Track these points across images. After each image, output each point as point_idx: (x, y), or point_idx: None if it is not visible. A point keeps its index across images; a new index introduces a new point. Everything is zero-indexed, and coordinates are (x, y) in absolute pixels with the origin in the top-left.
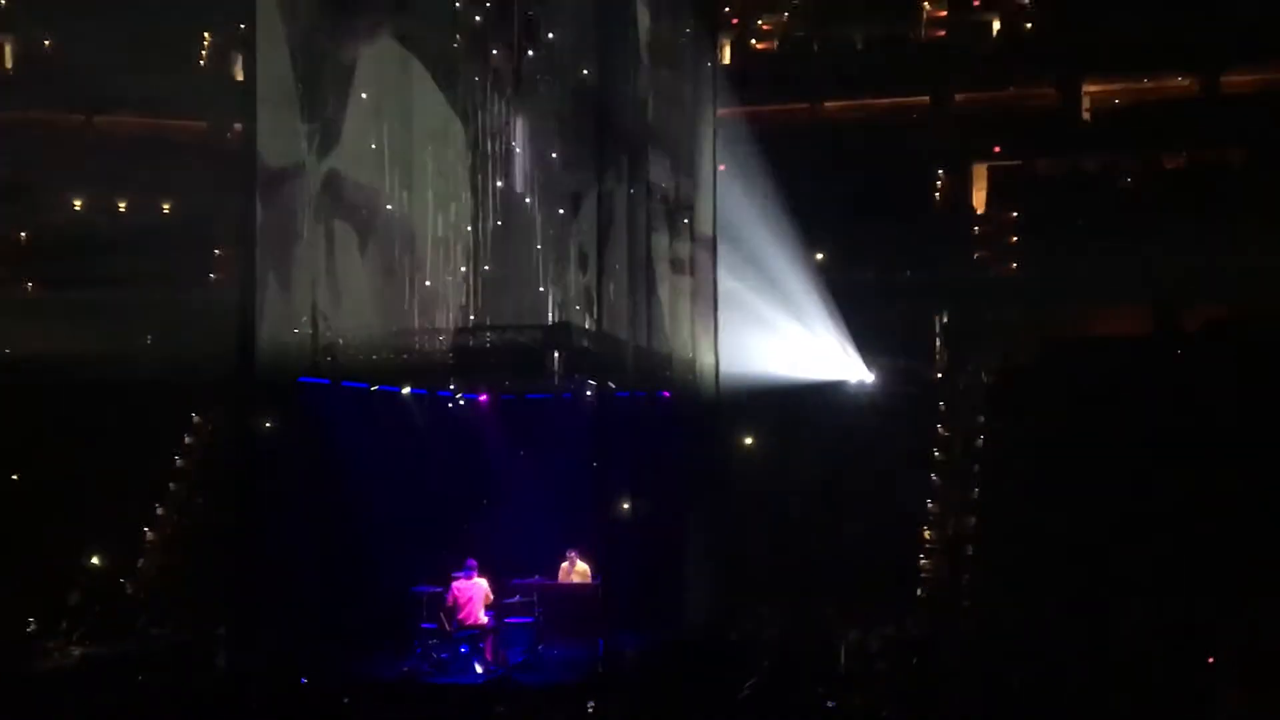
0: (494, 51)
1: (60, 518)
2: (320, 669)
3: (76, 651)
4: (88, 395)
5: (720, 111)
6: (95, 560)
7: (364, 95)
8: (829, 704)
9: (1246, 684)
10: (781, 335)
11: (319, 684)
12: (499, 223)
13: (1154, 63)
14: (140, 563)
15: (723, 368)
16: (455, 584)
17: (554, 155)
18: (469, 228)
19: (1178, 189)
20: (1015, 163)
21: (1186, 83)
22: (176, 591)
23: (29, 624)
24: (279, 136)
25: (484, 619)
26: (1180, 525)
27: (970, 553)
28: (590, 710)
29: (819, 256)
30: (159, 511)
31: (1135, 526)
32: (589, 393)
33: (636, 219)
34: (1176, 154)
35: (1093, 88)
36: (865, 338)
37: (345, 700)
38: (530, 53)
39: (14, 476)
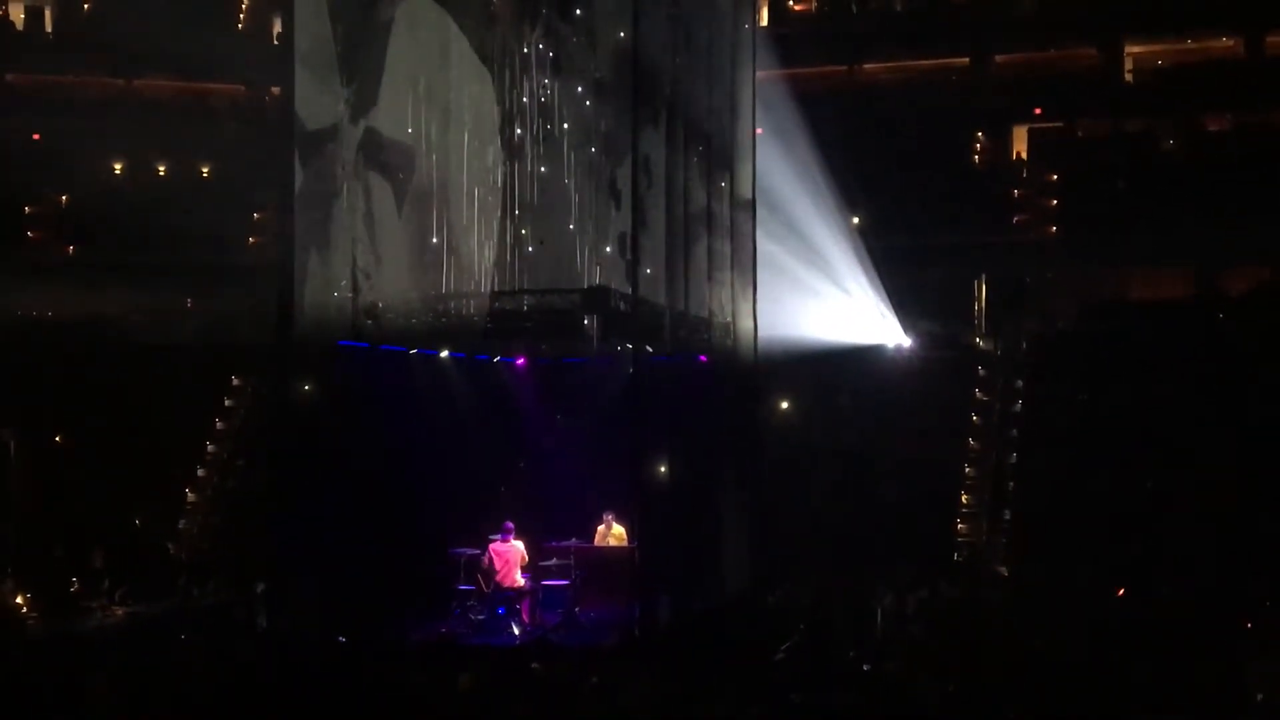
0: (531, 16)
1: (103, 479)
2: (358, 630)
3: (120, 611)
4: (129, 358)
5: (758, 74)
6: (137, 521)
7: (400, 56)
8: (864, 667)
9: None
10: (819, 299)
11: (357, 644)
12: (536, 186)
13: (1197, 23)
14: (181, 524)
15: (760, 332)
16: (492, 546)
17: (591, 118)
18: (506, 191)
19: (1221, 151)
20: (1056, 125)
21: (1230, 43)
22: (217, 552)
23: (72, 584)
24: (317, 98)
25: (521, 581)
26: (1220, 491)
27: (1007, 517)
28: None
29: (856, 220)
30: (200, 474)
31: (1174, 492)
32: (626, 357)
33: (674, 182)
34: (1220, 115)
35: (1135, 48)
36: (903, 301)
37: (383, 660)
38: (570, 17)
39: (57, 438)
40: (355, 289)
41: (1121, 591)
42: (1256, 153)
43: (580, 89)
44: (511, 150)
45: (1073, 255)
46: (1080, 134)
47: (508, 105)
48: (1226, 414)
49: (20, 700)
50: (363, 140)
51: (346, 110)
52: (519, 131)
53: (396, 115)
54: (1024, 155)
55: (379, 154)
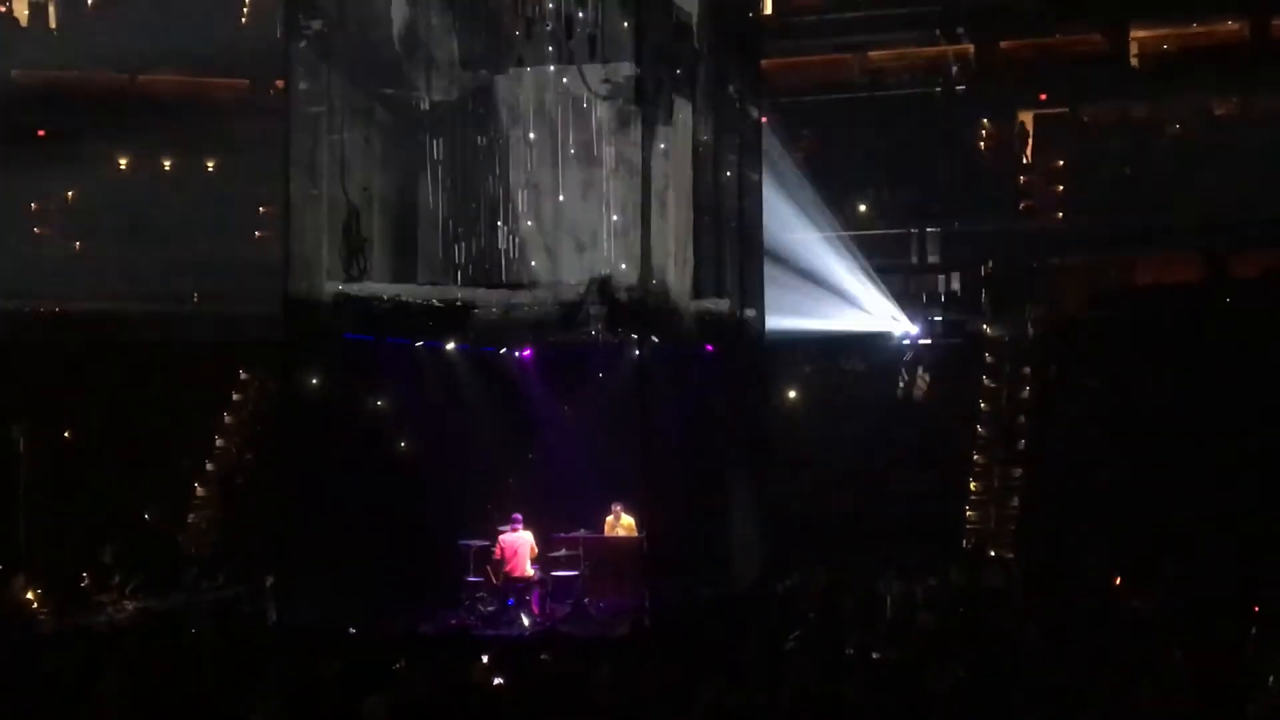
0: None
1: (112, 475)
2: (368, 621)
3: (130, 605)
4: (137, 353)
5: (763, 62)
6: (147, 516)
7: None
8: (874, 655)
9: None
10: (826, 286)
11: (367, 636)
12: (542, 174)
13: (1203, 7)
14: (191, 518)
15: (767, 320)
16: (501, 537)
17: (596, 107)
18: (511, 178)
19: (1228, 135)
20: (1062, 110)
21: (1236, 27)
22: (226, 545)
23: (82, 579)
24: (316, 86)
25: (530, 572)
26: (1229, 476)
27: (1016, 504)
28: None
29: (863, 207)
30: (209, 467)
31: (1183, 478)
32: (633, 347)
33: (681, 170)
34: (1226, 99)
35: (1141, 33)
36: (910, 288)
37: (393, 652)
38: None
39: (65, 434)
40: (360, 281)
41: (1119, 580)
42: (1263, 136)
43: (586, 75)
44: (516, 137)
45: (1079, 240)
46: (1086, 119)
47: (512, 89)
48: (1235, 398)
49: (32, 696)
50: (364, 125)
51: (345, 97)
52: (523, 121)
53: (397, 99)
54: (1030, 141)
55: (382, 139)
